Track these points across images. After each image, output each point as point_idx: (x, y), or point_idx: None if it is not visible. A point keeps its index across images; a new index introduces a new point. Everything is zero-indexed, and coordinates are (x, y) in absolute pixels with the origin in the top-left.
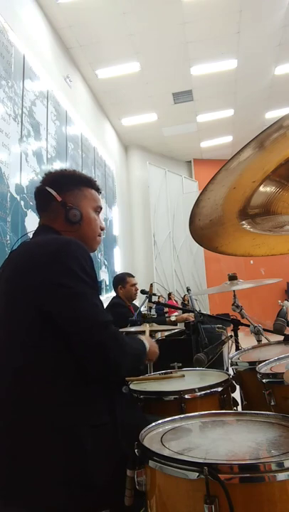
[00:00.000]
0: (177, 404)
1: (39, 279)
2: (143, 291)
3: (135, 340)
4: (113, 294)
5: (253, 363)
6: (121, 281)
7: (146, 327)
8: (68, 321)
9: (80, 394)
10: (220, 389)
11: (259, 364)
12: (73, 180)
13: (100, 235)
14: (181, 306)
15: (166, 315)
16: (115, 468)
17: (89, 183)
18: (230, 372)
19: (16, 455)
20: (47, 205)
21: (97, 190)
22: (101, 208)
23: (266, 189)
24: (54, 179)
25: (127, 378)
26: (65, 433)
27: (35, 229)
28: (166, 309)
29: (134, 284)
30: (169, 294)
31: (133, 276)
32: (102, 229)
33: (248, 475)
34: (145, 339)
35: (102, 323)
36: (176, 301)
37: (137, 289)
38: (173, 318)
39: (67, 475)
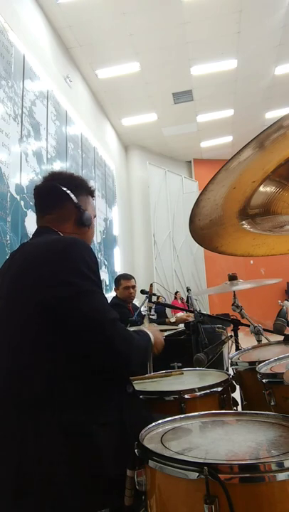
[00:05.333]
0: (177, 404)
1: (46, 277)
2: (143, 291)
3: (140, 333)
4: (113, 293)
5: (253, 363)
6: (116, 282)
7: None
8: (77, 319)
9: (88, 393)
10: (220, 389)
11: (259, 364)
12: (84, 186)
13: None
14: (181, 306)
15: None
16: (122, 466)
17: (92, 193)
18: (230, 372)
19: (22, 456)
20: (58, 205)
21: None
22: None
23: (266, 189)
24: (69, 180)
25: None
26: (71, 433)
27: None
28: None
29: (129, 287)
30: (176, 293)
31: (129, 278)
32: None
33: (248, 475)
34: (149, 331)
35: (110, 320)
36: (181, 300)
37: (131, 292)
38: (172, 320)
39: (76, 473)
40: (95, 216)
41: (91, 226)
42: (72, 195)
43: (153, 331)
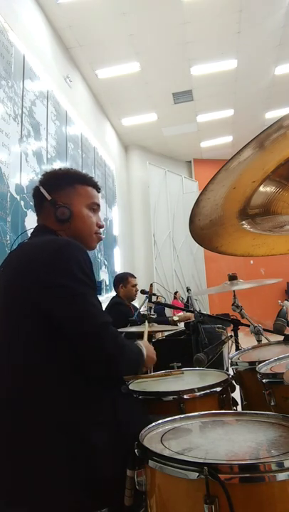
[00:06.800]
0: (176, 404)
1: (39, 279)
2: (143, 291)
3: (133, 344)
4: (113, 293)
5: (253, 363)
6: (122, 280)
7: (146, 326)
8: (68, 321)
9: (83, 394)
10: (219, 389)
11: (259, 364)
12: (66, 179)
13: (97, 233)
14: (181, 307)
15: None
16: (119, 465)
17: (83, 180)
18: (230, 372)
19: (20, 457)
20: (41, 205)
21: (94, 186)
22: (98, 205)
23: (266, 189)
24: (47, 179)
25: (126, 377)
26: (68, 432)
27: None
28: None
29: (135, 285)
30: (175, 293)
31: (134, 277)
32: (99, 226)
33: (248, 475)
34: (142, 344)
35: (101, 323)
36: (181, 300)
37: (137, 290)
38: (176, 318)
39: (72, 474)
40: (93, 204)
41: (75, 218)
42: (45, 193)
43: (146, 346)
